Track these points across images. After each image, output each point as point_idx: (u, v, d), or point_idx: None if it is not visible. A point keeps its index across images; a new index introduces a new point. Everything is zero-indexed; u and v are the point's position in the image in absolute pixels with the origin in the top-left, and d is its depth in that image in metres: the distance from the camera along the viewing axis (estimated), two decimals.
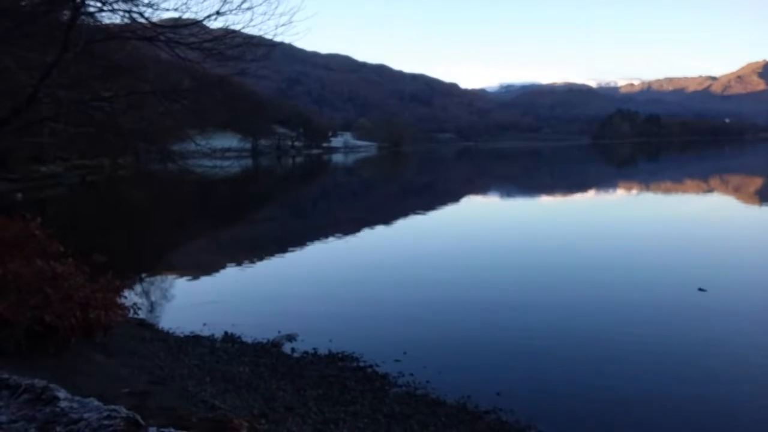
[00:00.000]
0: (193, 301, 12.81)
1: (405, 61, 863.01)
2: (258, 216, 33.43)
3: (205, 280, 15.53)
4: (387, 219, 26.96)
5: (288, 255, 19.02)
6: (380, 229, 24.37)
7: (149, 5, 8.36)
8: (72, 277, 6.64)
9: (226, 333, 10.16)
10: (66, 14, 9.06)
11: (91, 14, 9.39)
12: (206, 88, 10.96)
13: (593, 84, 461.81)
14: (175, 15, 8.82)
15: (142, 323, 10.40)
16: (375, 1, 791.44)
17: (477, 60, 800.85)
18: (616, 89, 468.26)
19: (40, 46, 9.40)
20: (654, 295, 12.41)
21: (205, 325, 10.61)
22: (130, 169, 44.08)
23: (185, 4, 8.41)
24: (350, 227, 24.34)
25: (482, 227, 24.71)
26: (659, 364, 8.67)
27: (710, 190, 40.73)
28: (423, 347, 9.51)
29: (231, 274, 16.10)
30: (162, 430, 2.84)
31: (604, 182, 50.52)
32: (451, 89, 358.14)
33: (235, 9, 8.42)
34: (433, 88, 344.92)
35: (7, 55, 8.70)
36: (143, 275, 15.78)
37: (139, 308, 10.13)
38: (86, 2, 8.71)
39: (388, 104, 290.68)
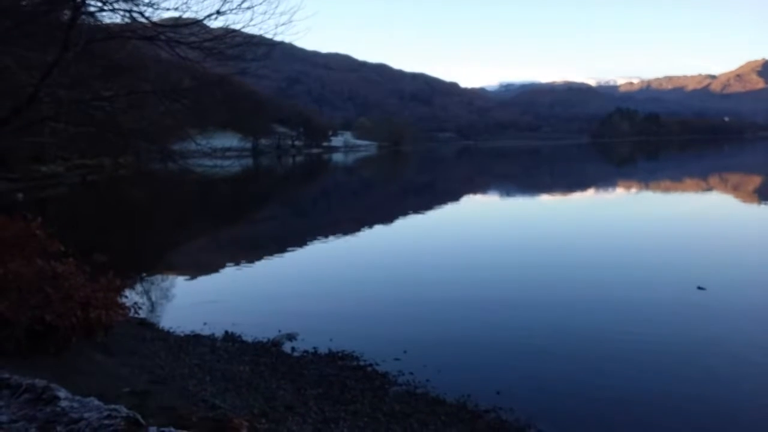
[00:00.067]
0: (193, 301, 12.82)
1: (405, 61, 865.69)
2: (258, 215, 33.44)
3: (205, 280, 15.54)
4: (387, 218, 26.97)
5: (288, 254, 19.03)
6: (380, 229, 24.38)
7: (150, 5, 8.36)
8: (72, 276, 6.65)
9: (226, 332, 10.18)
10: (66, 14, 9.06)
11: (92, 14, 9.41)
12: (207, 88, 10.97)
13: (593, 83, 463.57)
14: (176, 14, 8.82)
15: (143, 323, 10.40)
16: (375, 0, 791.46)
17: (477, 59, 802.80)
18: (615, 88, 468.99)
19: (40, 46, 9.42)
20: (653, 294, 12.42)
21: (205, 324, 10.63)
22: (130, 168, 44.02)
23: (185, 3, 8.41)
24: (350, 226, 24.36)
25: (481, 226, 24.70)
26: (658, 362, 8.68)
27: (709, 189, 40.70)
28: (423, 346, 9.52)
29: (231, 274, 16.10)
30: (162, 429, 2.86)
31: (603, 181, 50.48)
32: (451, 88, 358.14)
33: (236, 8, 8.42)
34: (433, 87, 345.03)
35: (7, 55, 8.71)
36: (144, 275, 15.78)
37: (140, 308, 10.16)
38: (87, 2, 8.71)
39: (388, 103, 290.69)
